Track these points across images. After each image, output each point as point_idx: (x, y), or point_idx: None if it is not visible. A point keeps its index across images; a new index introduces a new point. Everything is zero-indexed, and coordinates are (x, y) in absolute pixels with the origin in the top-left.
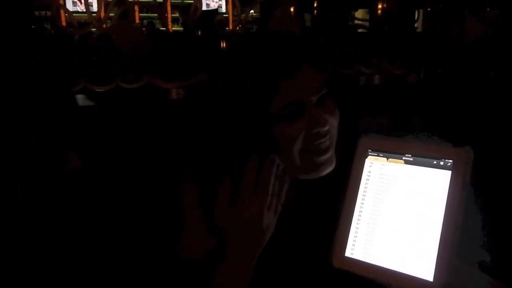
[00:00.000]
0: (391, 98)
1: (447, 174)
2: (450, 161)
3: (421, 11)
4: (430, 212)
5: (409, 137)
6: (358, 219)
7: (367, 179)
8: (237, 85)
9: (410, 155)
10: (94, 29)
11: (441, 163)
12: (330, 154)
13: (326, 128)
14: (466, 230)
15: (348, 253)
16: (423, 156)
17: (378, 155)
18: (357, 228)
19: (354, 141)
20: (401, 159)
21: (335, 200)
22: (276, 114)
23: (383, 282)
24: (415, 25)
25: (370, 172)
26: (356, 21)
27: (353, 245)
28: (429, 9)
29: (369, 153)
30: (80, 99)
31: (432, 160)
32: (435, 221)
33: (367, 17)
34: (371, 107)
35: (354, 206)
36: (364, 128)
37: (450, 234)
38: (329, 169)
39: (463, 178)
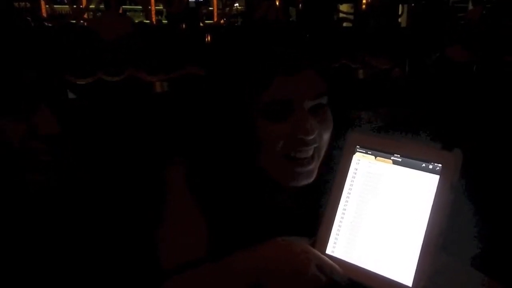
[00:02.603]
0: (376, 92)
1: (435, 178)
2: (439, 165)
3: (405, 6)
4: (414, 216)
5: (399, 134)
6: (342, 217)
7: (353, 177)
8: (233, 76)
9: (399, 155)
10: (75, 21)
11: (430, 166)
12: (312, 167)
13: (311, 137)
14: (459, 228)
15: (329, 250)
16: (412, 157)
17: (366, 153)
18: (339, 226)
19: (344, 135)
20: (390, 158)
21: (320, 195)
22: (262, 110)
23: (361, 283)
24: (399, 20)
25: (357, 169)
26: (341, 15)
27: (335, 243)
28: (413, 4)
29: (357, 150)
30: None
31: (421, 162)
32: (419, 225)
33: (352, 11)
34: (358, 101)
35: (339, 203)
36: (353, 122)
37: (433, 240)
38: (307, 181)
39: (451, 183)
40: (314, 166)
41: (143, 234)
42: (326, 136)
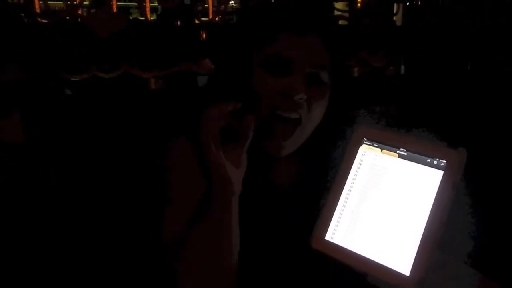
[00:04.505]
0: (371, 90)
1: (439, 173)
2: (444, 161)
3: (400, 5)
4: (416, 208)
5: (406, 130)
6: (343, 205)
7: (358, 167)
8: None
9: (405, 150)
10: (69, 17)
11: (435, 162)
12: (292, 130)
13: (298, 96)
14: (456, 226)
15: (329, 236)
16: (417, 152)
17: (372, 145)
18: (341, 213)
19: (344, 129)
20: (395, 152)
21: (324, 181)
22: (263, 61)
23: (359, 270)
24: (394, 18)
25: (362, 160)
26: (336, 12)
27: (335, 229)
28: (408, 3)
29: (364, 142)
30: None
31: (426, 158)
32: (420, 218)
33: (347, 9)
34: (352, 98)
35: (341, 191)
36: (358, 117)
37: (432, 233)
38: (280, 147)
39: (454, 179)
40: (295, 134)
41: (144, 229)
42: (316, 112)
